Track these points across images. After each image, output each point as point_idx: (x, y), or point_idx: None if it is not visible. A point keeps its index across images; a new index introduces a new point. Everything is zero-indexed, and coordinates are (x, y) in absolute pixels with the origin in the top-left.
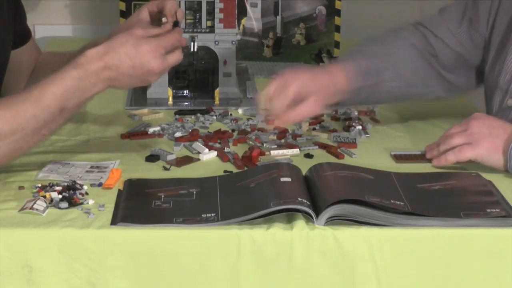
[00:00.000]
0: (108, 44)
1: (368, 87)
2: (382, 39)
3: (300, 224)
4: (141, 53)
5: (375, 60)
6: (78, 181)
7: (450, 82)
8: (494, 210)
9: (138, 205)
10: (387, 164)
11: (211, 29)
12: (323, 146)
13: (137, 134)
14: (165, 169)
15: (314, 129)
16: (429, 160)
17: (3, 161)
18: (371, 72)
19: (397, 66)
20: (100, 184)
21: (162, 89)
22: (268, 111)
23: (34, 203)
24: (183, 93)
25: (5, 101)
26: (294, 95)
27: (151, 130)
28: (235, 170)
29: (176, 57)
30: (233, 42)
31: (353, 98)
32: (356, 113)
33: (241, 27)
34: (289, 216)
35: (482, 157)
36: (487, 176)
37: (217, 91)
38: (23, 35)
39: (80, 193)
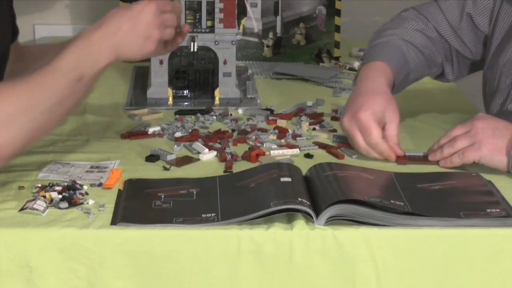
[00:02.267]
0: (103, 17)
1: (403, 80)
2: (401, 25)
3: (300, 224)
4: (136, 11)
5: (400, 50)
6: (78, 181)
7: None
8: (494, 210)
9: (138, 205)
10: (387, 164)
11: (211, 29)
12: (323, 146)
13: (137, 134)
14: (165, 169)
15: (314, 129)
16: (432, 163)
17: (31, 139)
18: (402, 65)
19: (417, 51)
20: (100, 184)
21: (162, 89)
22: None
23: (34, 203)
24: (183, 93)
25: (21, 79)
26: (380, 127)
27: (151, 130)
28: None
29: (170, 17)
30: (233, 42)
31: (394, 91)
32: None
33: (241, 27)
34: (289, 216)
35: (485, 158)
36: (487, 176)
37: (217, 91)
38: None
39: (80, 193)
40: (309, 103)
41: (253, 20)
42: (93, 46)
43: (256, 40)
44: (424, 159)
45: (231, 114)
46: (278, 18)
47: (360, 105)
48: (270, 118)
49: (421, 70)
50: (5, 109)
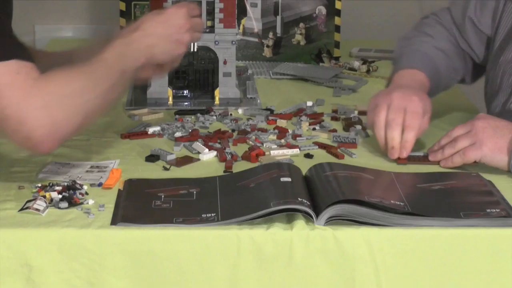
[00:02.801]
0: (139, 20)
1: (436, 87)
2: (426, 34)
3: (300, 224)
4: (168, 15)
5: (431, 57)
6: (78, 181)
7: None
8: (494, 210)
9: (138, 205)
10: (387, 164)
11: (211, 29)
12: (323, 146)
13: (137, 134)
14: (165, 169)
15: (314, 129)
16: (432, 163)
17: (84, 121)
18: (435, 72)
19: (448, 59)
20: (100, 184)
21: (162, 89)
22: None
23: (34, 203)
24: (183, 93)
25: (71, 66)
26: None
27: (151, 130)
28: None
29: (199, 21)
30: (233, 42)
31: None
32: (356, 113)
33: (241, 27)
34: (289, 216)
35: (486, 157)
36: (487, 176)
37: (217, 91)
38: None
39: (80, 193)
40: (309, 103)
41: (253, 20)
42: (132, 44)
43: (256, 40)
44: (424, 159)
45: (231, 114)
46: (278, 18)
47: (400, 91)
48: (270, 118)
49: (450, 78)
50: (61, 91)
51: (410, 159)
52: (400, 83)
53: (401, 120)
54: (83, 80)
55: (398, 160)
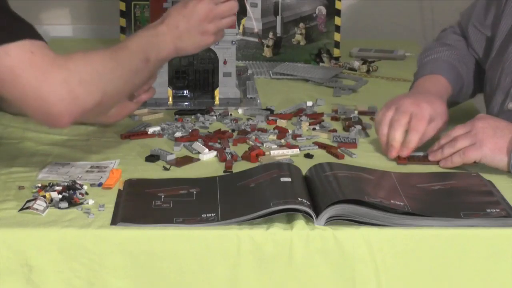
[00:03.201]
0: (165, 13)
1: (456, 94)
2: (446, 44)
3: (300, 224)
4: (189, 9)
5: (453, 63)
6: (78, 181)
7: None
8: (494, 210)
9: (138, 205)
10: (387, 164)
11: None
12: (323, 146)
13: (137, 134)
14: (165, 169)
15: (314, 129)
16: (432, 163)
17: (104, 101)
18: (456, 79)
19: (469, 67)
20: (100, 184)
21: (162, 89)
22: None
23: (34, 203)
24: (183, 93)
25: (96, 50)
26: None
27: (151, 130)
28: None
29: (225, 7)
30: (233, 42)
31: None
32: (356, 113)
33: (241, 27)
34: (289, 216)
35: (486, 158)
36: (487, 176)
37: (217, 91)
38: None
39: (80, 193)
40: (309, 103)
41: (253, 20)
42: (158, 36)
43: (256, 40)
44: (424, 159)
45: (231, 114)
46: (278, 18)
47: (412, 96)
48: (270, 118)
49: (471, 86)
50: (80, 68)
51: (410, 159)
52: (419, 89)
53: (405, 121)
54: (104, 61)
55: (398, 160)
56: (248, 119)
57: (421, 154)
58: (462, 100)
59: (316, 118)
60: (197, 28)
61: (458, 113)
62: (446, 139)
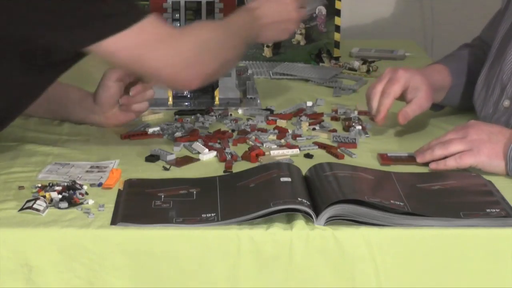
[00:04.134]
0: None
1: (456, 87)
2: (467, 47)
3: (300, 224)
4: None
5: (466, 60)
6: (78, 181)
7: None
8: (494, 210)
9: (138, 205)
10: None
11: None
12: (323, 146)
13: (137, 134)
14: (165, 169)
15: (314, 129)
16: (418, 164)
17: (222, 68)
18: (460, 72)
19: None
20: (100, 184)
21: (162, 89)
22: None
23: (34, 203)
24: (183, 93)
25: (211, 21)
26: (400, 92)
27: (151, 130)
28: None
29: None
30: None
31: (447, 98)
32: (356, 113)
33: None
34: (289, 216)
35: (483, 163)
36: (487, 176)
37: (217, 91)
38: None
39: (80, 193)
40: (309, 103)
41: None
42: (251, 22)
43: None
44: (408, 160)
45: (231, 114)
46: None
47: (408, 68)
48: (270, 118)
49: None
50: (203, 37)
51: (393, 160)
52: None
53: (380, 88)
54: (218, 30)
55: (382, 161)
56: (248, 119)
57: (405, 154)
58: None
59: (316, 118)
60: (282, 25)
61: (458, 112)
62: (436, 142)
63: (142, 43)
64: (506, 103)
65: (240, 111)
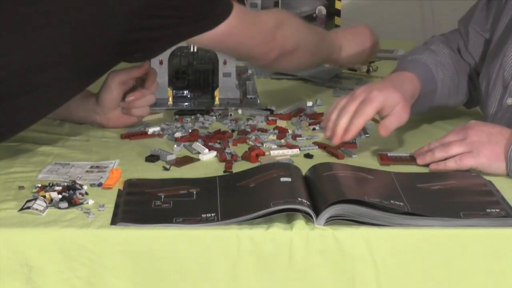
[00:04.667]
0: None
1: (426, 95)
2: (428, 48)
3: (300, 224)
4: None
5: (430, 68)
6: (78, 181)
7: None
8: (494, 210)
9: (138, 205)
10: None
11: None
12: (323, 146)
13: (137, 134)
14: (165, 169)
15: (314, 129)
16: (418, 164)
17: (305, 55)
18: (429, 80)
19: (447, 74)
20: (100, 184)
21: (162, 89)
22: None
23: (34, 203)
24: (183, 93)
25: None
26: (374, 113)
27: (151, 130)
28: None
29: None
30: None
31: (416, 107)
32: None
33: None
34: (289, 216)
35: (483, 165)
36: (487, 176)
37: (217, 91)
38: None
39: (80, 193)
40: (309, 103)
41: None
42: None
43: None
44: (408, 160)
45: (231, 114)
46: None
47: (381, 87)
48: (270, 118)
49: (448, 93)
50: (289, 21)
51: (393, 160)
52: (384, 80)
53: (353, 108)
54: (299, 22)
55: (381, 161)
56: (248, 119)
57: (405, 155)
58: (450, 104)
59: (316, 118)
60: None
61: (457, 112)
62: (436, 143)
63: (240, 31)
64: (510, 100)
65: (240, 111)
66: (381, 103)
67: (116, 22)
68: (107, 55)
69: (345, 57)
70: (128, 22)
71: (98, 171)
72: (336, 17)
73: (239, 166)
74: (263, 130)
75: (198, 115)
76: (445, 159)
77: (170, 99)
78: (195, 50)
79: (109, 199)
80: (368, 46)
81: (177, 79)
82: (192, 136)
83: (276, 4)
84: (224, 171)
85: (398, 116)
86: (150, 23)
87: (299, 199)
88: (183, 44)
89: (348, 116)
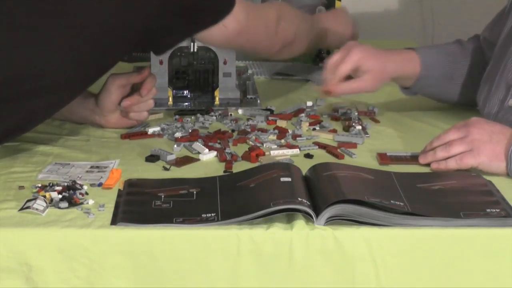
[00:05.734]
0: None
1: (425, 79)
2: (445, 43)
3: (300, 224)
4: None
5: (445, 57)
6: (78, 181)
7: None
8: (494, 210)
9: (138, 205)
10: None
11: None
12: (323, 146)
13: (137, 134)
14: (165, 169)
15: (314, 129)
16: (417, 163)
17: (300, 43)
18: (434, 65)
19: (461, 69)
20: (100, 184)
21: (162, 89)
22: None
23: (34, 203)
24: (183, 93)
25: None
26: (352, 68)
27: (151, 130)
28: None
29: None
30: None
31: (417, 87)
32: (356, 113)
33: None
34: (289, 216)
35: (484, 165)
36: (487, 176)
37: (217, 91)
38: None
39: (80, 193)
40: (309, 103)
41: None
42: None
43: None
44: (408, 160)
45: (231, 114)
46: None
47: (366, 50)
48: (270, 118)
49: (455, 80)
50: (290, 13)
51: (392, 159)
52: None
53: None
54: (298, 14)
55: (381, 160)
56: (248, 119)
57: (405, 154)
58: (450, 97)
59: (316, 118)
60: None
61: (457, 112)
62: (438, 142)
63: (246, 27)
64: None
65: (240, 111)
66: (355, 63)
67: (134, 33)
68: (121, 55)
69: (331, 39)
70: (145, 27)
71: (98, 171)
72: None
73: (239, 166)
74: (263, 130)
75: (198, 115)
76: (447, 158)
77: (170, 99)
78: (195, 50)
79: (109, 199)
80: (349, 27)
81: (177, 79)
82: (192, 136)
83: None
84: (224, 171)
85: (361, 82)
86: (164, 23)
87: (299, 199)
88: (183, 44)
89: (330, 68)
